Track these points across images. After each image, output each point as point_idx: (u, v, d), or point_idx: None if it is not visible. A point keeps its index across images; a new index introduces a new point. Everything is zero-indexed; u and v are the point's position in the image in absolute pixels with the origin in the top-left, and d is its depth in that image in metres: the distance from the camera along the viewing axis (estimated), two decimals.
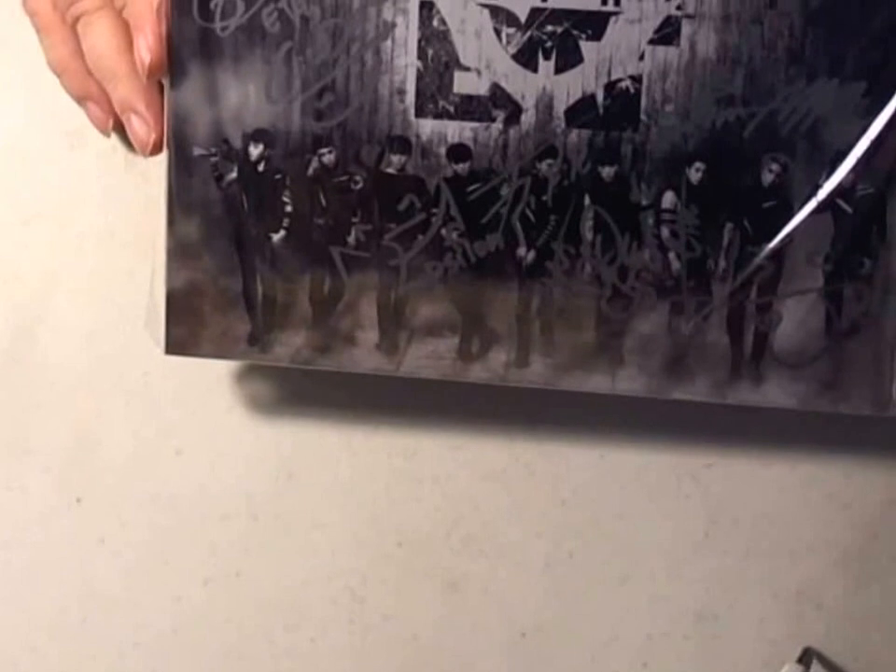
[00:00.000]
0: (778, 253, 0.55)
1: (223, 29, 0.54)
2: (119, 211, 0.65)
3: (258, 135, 0.56)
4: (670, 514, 0.65)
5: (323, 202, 0.56)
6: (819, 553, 0.65)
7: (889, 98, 0.53)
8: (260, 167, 0.56)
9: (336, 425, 0.67)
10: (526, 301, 0.57)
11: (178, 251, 0.57)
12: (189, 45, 0.55)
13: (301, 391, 0.66)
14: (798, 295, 0.55)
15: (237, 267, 0.57)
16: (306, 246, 0.57)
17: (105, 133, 0.61)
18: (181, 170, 0.56)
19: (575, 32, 0.54)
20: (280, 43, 0.54)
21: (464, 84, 0.54)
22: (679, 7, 0.53)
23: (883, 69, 0.53)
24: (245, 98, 0.55)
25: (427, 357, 0.58)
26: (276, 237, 0.57)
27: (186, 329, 0.58)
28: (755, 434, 0.64)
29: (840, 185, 0.54)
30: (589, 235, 0.55)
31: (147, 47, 0.55)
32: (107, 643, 0.68)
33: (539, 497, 0.66)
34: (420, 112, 0.55)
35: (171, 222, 0.57)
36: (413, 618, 0.67)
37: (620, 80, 0.54)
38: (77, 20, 0.59)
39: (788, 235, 0.55)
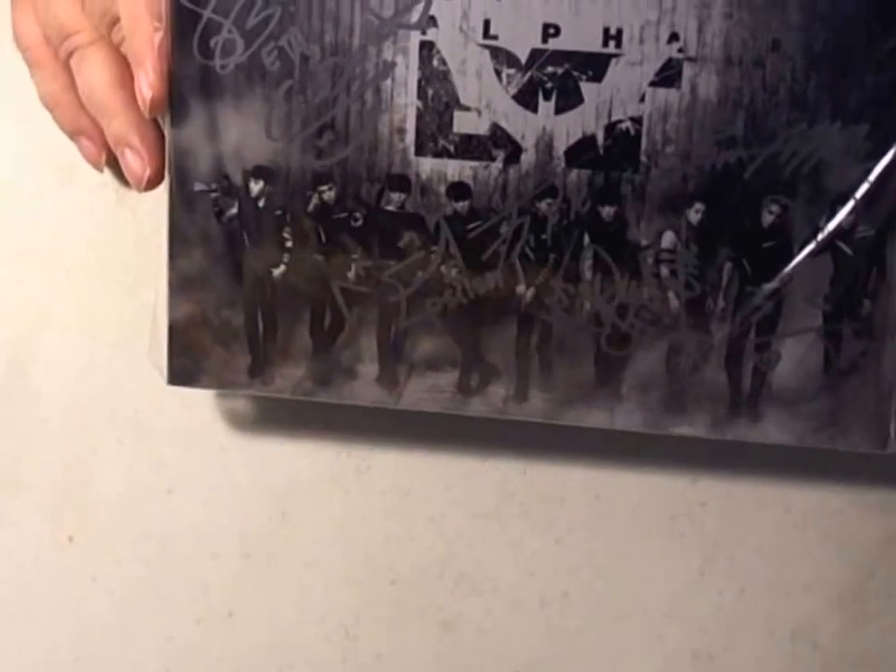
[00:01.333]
0: (778, 293, 0.56)
1: (223, 67, 0.55)
2: (110, 246, 0.66)
3: (258, 172, 0.57)
4: (665, 553, 0.66)
5: (323, 238, 0.57)
6: (816, 591, 0.66)
7: (891, 141, 0.54)
8: (261, 203, 0.57)
9: (329, 463, 0.67)
10: (525, 336, 0.58)
11: (180, 284, 0.59)
12: (190, 82, 0.56)
13: (295, 430, 0.67)
14: (797, 335, 0.57)
15: (238, 300, 0.59)
16: (307, 281, 0.58)
17: (98, 167, 0.62)
18: (182, 205, 0.57)
19: (575, 73, 0.55)
20: (280, 81, 0.55)
21: (464, 123, 0.56)
22: (680, 50, 0.54)
23: (885, 112, 0.54)
24: (246, 135, 0.56)
25: (426, 391, 0.59)
26: (277, 272, 0.58)
27: (188, 360, 0.60)
28: (750, 473, 0.65)
29: (840, 227, 0.55)
30: (588, 274, 0.57)
31: (148, 83, 0.56)
32: None
33: (533, 535, 0.67)
34: (420, 151, 0.56)
35: (172, 256, 0.58)
36: (406, 657, 0.68)
37: (620, 122, 0.55)
38: (70, 54, 0.60)
39: (787, 276, 0.56)
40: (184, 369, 0.60)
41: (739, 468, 0.65)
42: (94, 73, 0.59)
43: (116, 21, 0.58)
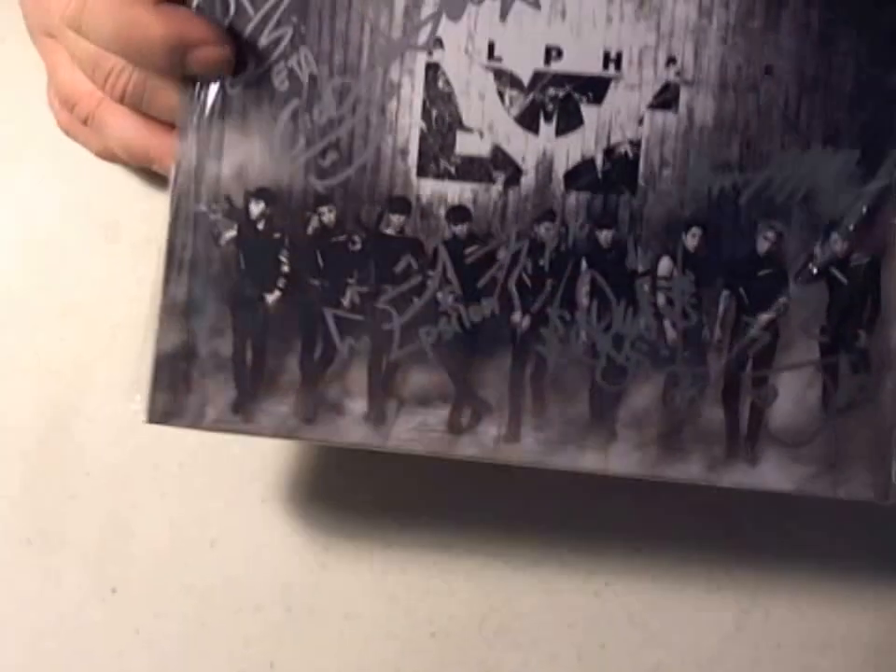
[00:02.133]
0: (774, 323, 0.57)
1: (232, 86, 0.57)
2: (154, 302, 0.67)
3: (259, 193, 0.58)
4: (702, 606, 0.66)
5: (320, 262, 0.58)
6: (851, 646, 0.65)
7: (881, 167, 0.56)
8: (260, 225, 0.58)
9: (369, 517, 0.68)
10: (520, 369, 0.58)
11: (171, 311, 0.58)
12: (198, 102, 0.57)
13: (336, 484, 0.67)
14: (794, 368, 0.57)
15: (229, 329, 0.58)
16: (300, 308, 0.58)
17: None
18: (181, 227, 0.58)
19: (576, 95, 0.57)
20: (287, 101, 0.57)
21: (466, 145, 0.57)
22: (677, 74, 0.56)
23: (876, 138, 0.56)
24: (250, 154, 0.58)
25: (415, 430, 0.58)
26: (271, 298, 0.58)
27: (171, 395, 0.58)
28: (787, 525, 0.65)
29: (834, 254, 0.56)
30: (585, 301, 0.57)
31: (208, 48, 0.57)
32: None
33: (571, 588, 0.66)
34: (422, 172, 0.57)
35: (167, 281, 0.58)
36: None
37: (619, 144, 0.57)
38: (85, 121, 0.61)
39: (783, 304, 0.56)
40: (165, 405, 0.58)
41: (776, 520, 0.65)
42: (116, 129, 0.61)
43: (107, 72, 0.59)
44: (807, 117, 0.56)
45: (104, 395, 0.68)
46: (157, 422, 0.59)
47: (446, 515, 0.68)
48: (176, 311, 0.58)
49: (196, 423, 0.59)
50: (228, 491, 0.69)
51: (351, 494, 0.67)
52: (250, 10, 0.57)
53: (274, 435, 0.59)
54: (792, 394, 0.57)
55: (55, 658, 0.69)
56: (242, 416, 0.58)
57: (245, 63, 0.57)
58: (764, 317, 0.57)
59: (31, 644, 0.69)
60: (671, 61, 0.56)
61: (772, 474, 0.57)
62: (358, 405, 0.58)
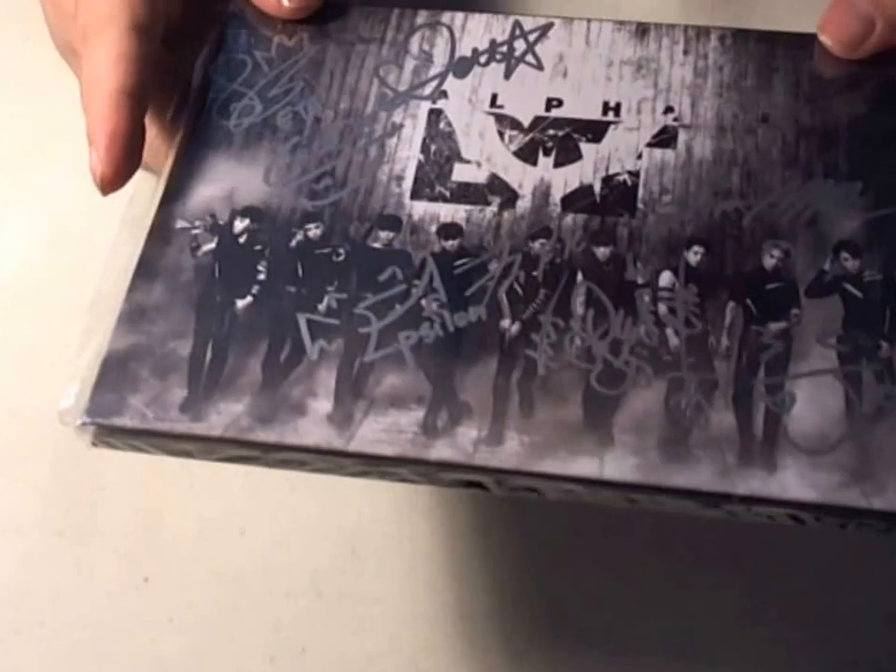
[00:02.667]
0: (786, 333, 0.52)
1: (237, 126, 0.58)
2: None
3: (246, 211, 0.56)
4: None
5: (300, 271, 0.55)
6: None
7: (887, 196, 0.55)
8: (242, 239, 0.56)
9: (397, 503, 0.68)
10: (506, 372, 0.52)
11: (131, 315, 0.54)
12: (200, 138, 0.58)
13: None
14: (812, 376, 0.51)
15: (190, 332, 0.53)
16: (271, 312, 0.54)
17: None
18: (158, 241, 0.56)
19: (576, 135, 0.58)
20: (289, 137, 0.58)
21: (463, 173, 0.57)
22: (675, 119, 0.58)
23: (878, 173, 0.56)
24: (242, 181, 0.57)
25: (384, 431, 0.51)
26: (241, 303, 0.54)
27: (114, 395, 0.52)
28: None
29: (846, 271, 0.53)
30: (580, 310, 0.53)
31: (98, 158, 0.56)
32: None
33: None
34: (415, 195, 0.56)
35: (132, 289, 0.54)
36: None
37: (618, 174, 0.56)
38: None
39: (795, 315, 0.52)
40: (104, 403, 0.52)
41: None
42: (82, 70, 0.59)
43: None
44: (806, 155, 0.56)
45: None
46: (93, 423, 0.52)
47: (477, 498, 0.67)
48: (136, 315, 0.54)
49: (135, 420, 0.51)
50: (256, 479, 0.69)
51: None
52: (266, 69, 0.60)
53: (223, 434, 0.51)
54: (812, 401, 0.50)
55: (90, 648, 0.68)
56: (190, 416, 0.51)
57: (252, 108, 0.59)
58: (775, 327, 0.52)
59: (65, 635, 0.68)
60: (669, 109, 0.58)
61: (793, 482, 0.49)
62: (323, 405, 0.52)
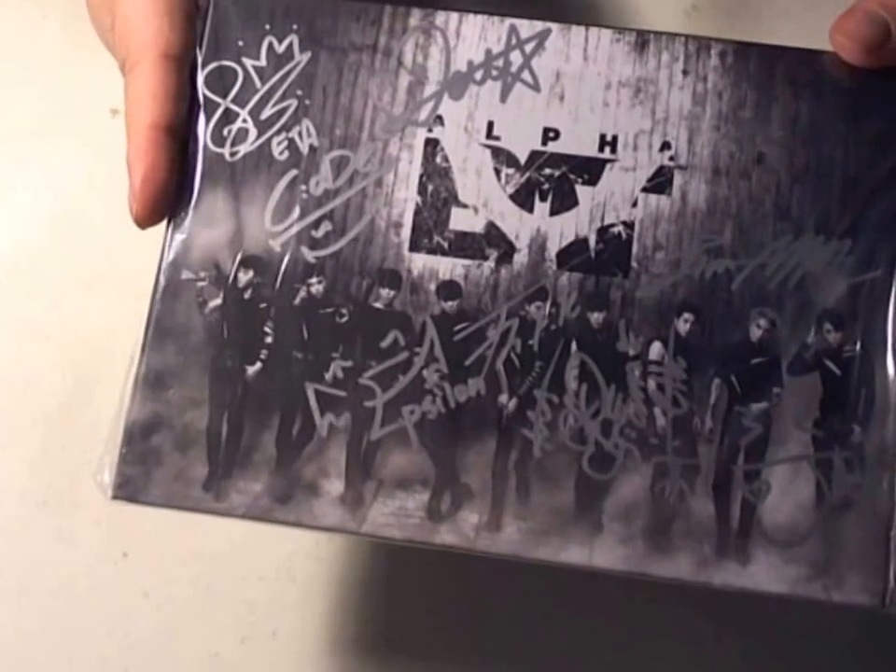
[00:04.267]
0: (767, 415, 0.56)
1: (232, 154, 0.59)
2: None
3: (248, 262, 0.59)
4: None
5: (305, 334, 0.58)
6: None
7: (873, 258, 0.57)
8: (247, 294, 0.59)
9: None
10: (504, 453, 0.57)
11: (148, 380, 0.58)
12: (196, 170, 0.59)
13: None
14: (787, 462, 0.56)
15: (205, 401, 0.58)
16: (281, 381, 0.58)
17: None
18: (166, 293, 0.59)
19: (572, 176, 0.59)
20: (285, 171, 0.59)
21: (460, 221, 0.59)
22: (671, 158, 0.58)
23: (867, 229, 0.57)
24: (243, 222, 0.59)
25: (392, 515, 0.57)
26: (252, 370, 0.58)
27: (140, 468, 0.57)
28: None
29: (827, 344, 0.56)
30: (574, 385, 0.57)
31: (133, 195, 0.58)
32: None
33: None
34: (414, 246, 0.59)
35: (145, 348, 0.58)
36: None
37: (612, 225, 0.58)
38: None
39: (776, 395, 0.56)
40: (132, 479, 0.57)
41: None
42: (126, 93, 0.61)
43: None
44: (799, 205, 0.58)
45: (125, 365, 0.67)
46: (123, 497, 0.57)
47: None
48: (152, 380, 0.58)
49: (162, 500, 0.57)
50: None
51: None
52: (258, 82, 0.60)
53: (245, 515, 0.57)
54: (785, 490, 0.56)
55: (66, 617, 0.72)
56: (213, 494, 0.57)
57: (246, 132, 0.60)
58: (757, 408, 0.56)
59: (43, 603, 0.72)
60: (665, 146, 0.58)
61: (763, 575, 0.56)
62: (335, 486, 0.57)
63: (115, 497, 0.58)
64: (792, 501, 0.56)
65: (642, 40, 0.60)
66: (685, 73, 0.59)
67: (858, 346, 0.57)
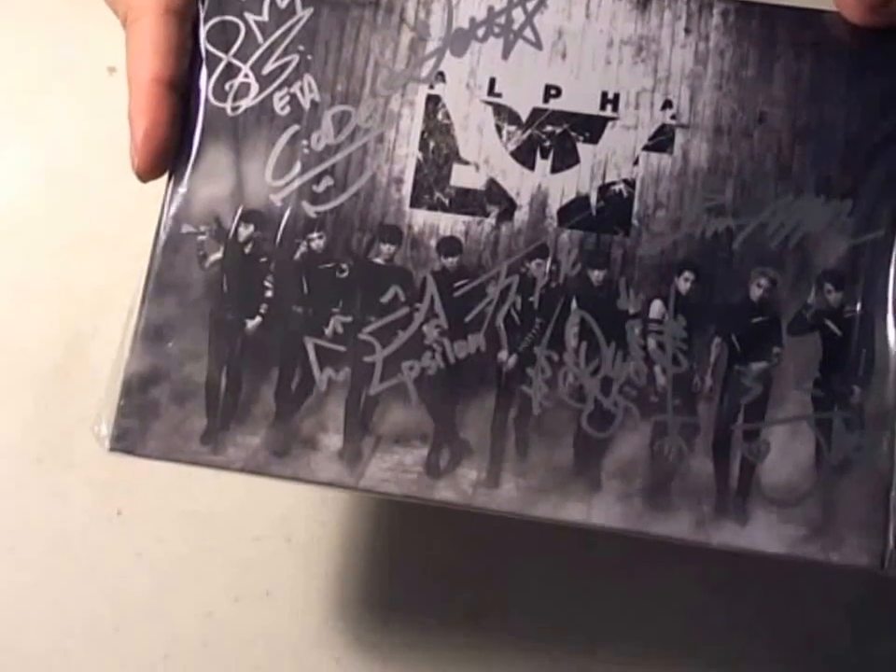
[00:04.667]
0: (766, 374, 0.56)
1: (234, 109, 0.59)
2: None
3: (249, 216, 0.59)
4: None
5: (305, 289, 0.58)
6: None
7: (874, 219, 0.57)
8: (247, 249, 0.59)
9: None
10: (504, 410, 0.57)
11: (147, 333, 0.58)
12: (198, 124, 0.59)
13: None
14: (787, 423, 0.56)
15: (205, 354, 0.58)
16: (281, 336, 0.58)
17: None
18: (167, 247, 0.59)
19: (573, 134, 0.59)
20: (287, 126, 0.59)
21: (461, 177, 0.59)
22: (673, 117, 0.58)
23: (867, 190, 0.57)
24: (244, 176, 0.59)
25: (390, 470, 0.57)
26: (251, 323, 0.58)
27: (138, 421, 0.57)
28: None
29: (828, 304, 0.57)
30: (574, 342, 0.57)
31: (135, 149, 0.58)
32: (139, 653, 0.71)
33: None
34: (415, 202, 0.59)
35: (145, 301, 0.58)
36: (437, 641, 0.70)
37: (614, 183, 0.58)
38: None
39: (776, 355, 0.56)
40: (130, 431, 0.57)
41: None
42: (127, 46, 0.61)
43: None
44: (800, 165, 0.58)
45: (120, 322, 0.66)
46: (120, 450, 0.57)
47: None
48: (151, 333, 0.58)
49: (160, 451, 0.57)
50: None
51: None
52: (259, 37, 0.60)
53: (242, 469, 0.57)
54: (785, 450, 0.56)
55: (59, 575, 0.72)
56: (210, 447, 0.57)
57: (248, 87, 0.60)
58: (757, 367, 0.56)
59: (36, 560, 0.72)
60: (667, 104, 0.59)
61: (762, 535, 0.56)
62: (333, 441, 0.57)
63: (112, 449, 0.58)
64: (792, 461, 0.56)
65: None
66: (687, 31, 0.59)
67: (858, 307, 0.57)
